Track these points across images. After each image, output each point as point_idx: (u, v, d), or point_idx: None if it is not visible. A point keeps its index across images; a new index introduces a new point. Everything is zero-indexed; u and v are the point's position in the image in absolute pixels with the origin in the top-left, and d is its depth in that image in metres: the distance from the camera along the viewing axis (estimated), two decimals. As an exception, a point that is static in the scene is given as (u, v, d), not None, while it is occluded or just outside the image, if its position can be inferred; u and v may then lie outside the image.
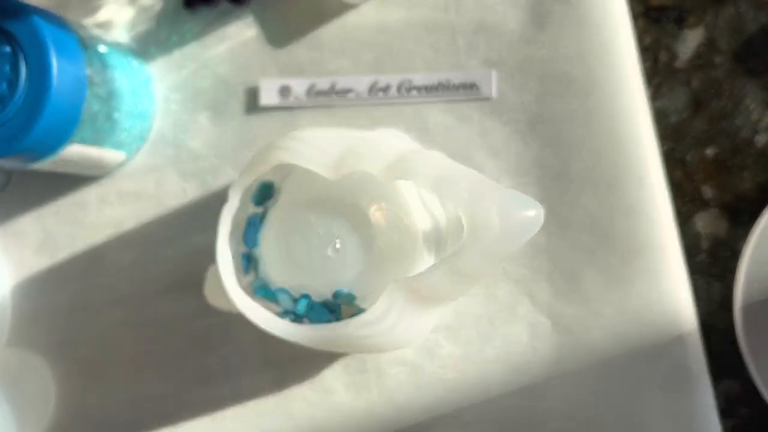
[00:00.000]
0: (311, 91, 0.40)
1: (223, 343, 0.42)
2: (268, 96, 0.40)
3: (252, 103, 0.41)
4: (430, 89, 0.39)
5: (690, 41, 0.39)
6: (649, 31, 0.39)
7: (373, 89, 0.39)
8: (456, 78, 0.39)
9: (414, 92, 0.39)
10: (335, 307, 0.34)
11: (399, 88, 0.39)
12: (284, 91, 0.40)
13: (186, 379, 0.42)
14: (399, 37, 0.39)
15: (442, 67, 0.39)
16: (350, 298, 0.34)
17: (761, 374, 0.36)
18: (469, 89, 0.39)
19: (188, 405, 0.42)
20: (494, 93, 0.38)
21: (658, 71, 0.39)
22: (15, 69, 0.35)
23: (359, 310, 0.33)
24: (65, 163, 0.39)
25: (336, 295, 0.34)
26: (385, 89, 0.39)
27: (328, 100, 0.40)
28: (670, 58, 0.39)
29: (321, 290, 0.34)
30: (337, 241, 0.34)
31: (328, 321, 0.34)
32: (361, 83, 0.40)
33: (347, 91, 0.40)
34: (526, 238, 0.31)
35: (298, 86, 0.40)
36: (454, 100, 0.39)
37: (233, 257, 0.34)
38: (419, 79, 0.39)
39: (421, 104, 0.39)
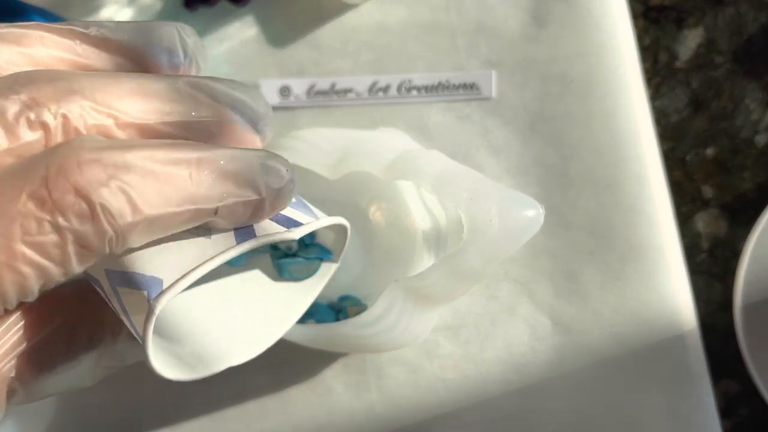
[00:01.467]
0: (311, 91, 0.40)
1: (223, 343, 0.41)
2: (268, 96, 0.40)
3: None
4: (430, 89, 0.39)
5: (690, 41, 0.39)
6: (648, 32, 0.39)
7: (373, 89, 0.39)
8: (456, 78, 0.39)
9: (414, 92, 0.39)
10: (341, 308, 0.34)
11: (399, 88, 0.39)
12: (284, 91, 0.40)
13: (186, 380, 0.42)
14: (399, 37, 0.39)
15: (443, 67, 0.39)
16: (355, 301, 0.34)
17: (761, 374, 0.36)
18: (469, 89, 0.39)
19: (188, 406, 0.42)
20: (494, 93, 0.38)
21: (658, 71, 0.39)
22: (15, 69, 0.35)
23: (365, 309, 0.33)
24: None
25: (342, 299, 0.34)
26: (385, 89, 0.39)
27: (328, 100, 0.40)
28: (669, 58, 0.39)
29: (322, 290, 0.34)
30: (337, 241, 0.34)
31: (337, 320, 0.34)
32: (361, 83, 0.39)
33: (347, 91, 0.40)
34: (526, 238, 0.31)
35: (298, 86, 0.40)
36: (454, 100, 0.39)
37: (234, 256, 0.34)
38: (419, 78, 0.39)
39: (421, 104, 0.39)
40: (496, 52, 0.38)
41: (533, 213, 0.30)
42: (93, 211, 0.16)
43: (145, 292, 0.18)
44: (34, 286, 0.16)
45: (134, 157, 0.16)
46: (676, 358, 0.37)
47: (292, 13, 0.40)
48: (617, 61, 0.37)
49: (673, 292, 0.37)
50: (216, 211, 0.17)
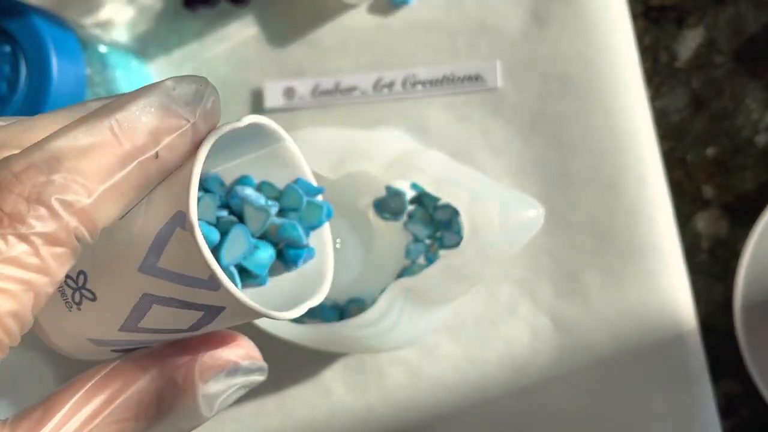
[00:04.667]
0: (316, 91, 0.40)
1: (223, 343, 0.41)
2: (273, 98, 0.40)
3: (257, 104, 0.41)
4: (434, 83, 0.39)
5: (690, 41, 0.39)
6: (649, 31, 0.39)
7: (377, 86, 0.39)
8: (460, 70, 0.39)
9: (419, 87, 0.39)
10: (346, 309, 0.34)
11: (404, 83, 0.39)
12: (289, 92, 0.40)
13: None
14: (400, 38, 0.39)
15: (443, 67, 0.39)
16: (360, 303, 0.34)
17: (761, 374, 0.36)
18: (473, 81, 0.38)
19: (188, 405, 0.42)
20: (500, 83, 0.38)
21: (659, 71, 0.39)
22: (15, 69, 0.35)
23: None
24: (65, 163, 0.39)
25: (349, 302, 0.34)
26: (390, 85, 0.39)
27: (332, 99, 0.40)
28: (670, 58, 0.39)
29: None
30: (338, 241, 0.34)
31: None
32: (365, 80, 0.39)
33: (352, 89, 0.39)
34: (527, 239, 0.31)
35: (303, 87, 0.40)
36: (459, 92, 0.39)
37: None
38: (424, 73, 0.39)
39: (425, 103, 0.39)
40: (497, 52, 0.38)
41: (533, 213, 0.30)
42: (50, 209, 0.16)
43: (178, 228, 0.18)
44: (27, 304, 0.16)
45: (59, 145, 0.17)
46: (676, 358, 0.37)
47: (292, 13, 0.40)
48: (617, 61, 0.37)
49: (673, 292, 0.37)
50: (157, 155, 0.18)
